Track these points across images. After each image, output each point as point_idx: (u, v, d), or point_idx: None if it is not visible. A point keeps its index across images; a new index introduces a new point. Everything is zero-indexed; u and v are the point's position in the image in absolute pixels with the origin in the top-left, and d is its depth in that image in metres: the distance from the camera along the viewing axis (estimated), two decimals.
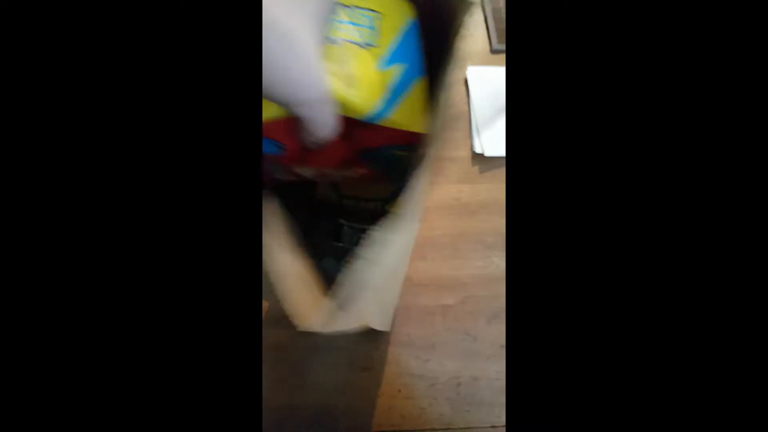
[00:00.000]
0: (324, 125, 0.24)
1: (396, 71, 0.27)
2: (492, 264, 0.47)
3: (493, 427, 0.41)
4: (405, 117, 0.27)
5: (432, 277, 0.46)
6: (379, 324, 0.32)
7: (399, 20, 0.28)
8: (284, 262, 0.17)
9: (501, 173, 0.51)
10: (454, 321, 0.44)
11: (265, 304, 0.45)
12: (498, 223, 0.48)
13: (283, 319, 0.45)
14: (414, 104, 0.27)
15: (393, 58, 0.27)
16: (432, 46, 0.28)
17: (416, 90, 0.27)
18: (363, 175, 0.32)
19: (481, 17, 0.61)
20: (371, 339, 0.44)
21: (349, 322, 0.21)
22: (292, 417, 0.41)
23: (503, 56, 0.57)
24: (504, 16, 0.59)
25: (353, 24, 0.27)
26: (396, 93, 0.26)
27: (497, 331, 0.44)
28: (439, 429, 0.41)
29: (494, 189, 0.50)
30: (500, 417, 0.41)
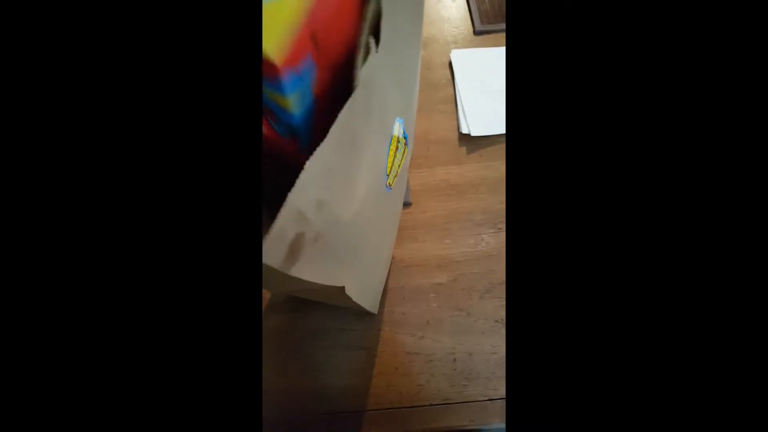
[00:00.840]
0: None
1: None
2: (482, 241, 0.47)
3: (489, 399, 0.42)
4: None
5: (424, 257, 0.47)
6: (360, 299, 0.33)
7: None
8: None
9: (487, 153, 0.51)
10: (448, 298, 0.45)
11: (265, 293, 0.47)
12: (486, 201, 0.49)
13: (283, 305, 0.46)
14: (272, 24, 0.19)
15: None
16: None
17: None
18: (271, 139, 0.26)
19: (464, 1, 0.61)
20: (367, 320, 0.45)
21: (311, 271, 0.22)
22: (293, 399, 0.42)
23: (486, 37, 0.58)
24: None
25: None
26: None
27: (490, 306, 0.45)
28: (437, 404, 0.42)
29: (481, 168, 0.50)
30: (497, 389, 0.42)
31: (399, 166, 0.33)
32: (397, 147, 0.31)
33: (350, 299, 0.30)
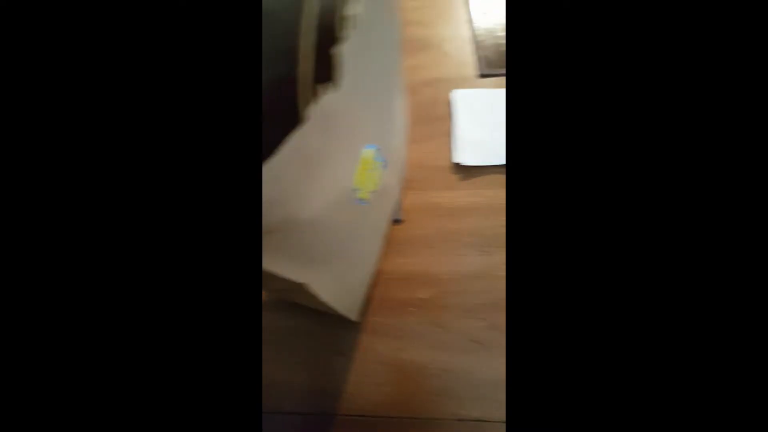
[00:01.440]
0: None
1: None
2: (467, 262, 0.49)
3: (459, 420, 0.41)
4: None
5: (408, 271, 0.49)
6: (333, 301, 0.36)
7: None
8: None
9: (479, 181, 0.54)
10: (428, 313, 0.46)
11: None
12: (474, 225, 0.51)
13: (268, 303, 0.48)
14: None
15: None
16: None
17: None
18: None
19: (471, 47, 0.67)
20: (347, 327, 0.46)
21: (269, 261, 0.25)
22: (264, 396, 0.43)
23: (487, 80, 0.63)
24: (486, 44, 0.66)
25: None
26: None
27: (470, 326, 0.45)
28: (406, 417, 0.42)
29: (471, 195, 0.53)
30: (470, 411, 0.42)
31: (375, 184, 0.37)
32: (369, 168, 0.36)
33: (318, 298, 0.33)
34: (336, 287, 0.36)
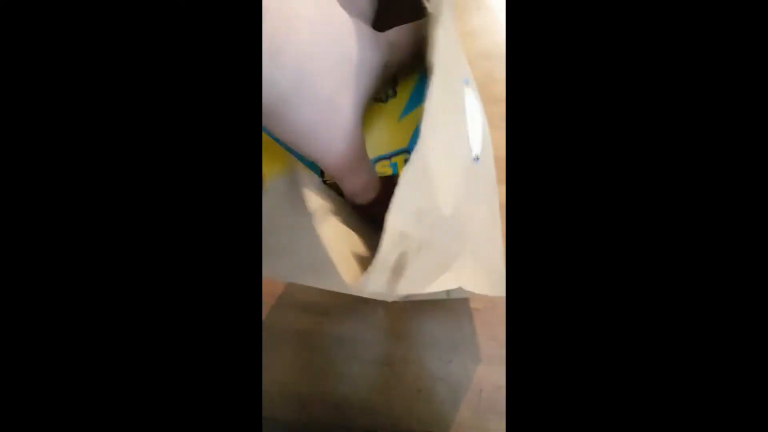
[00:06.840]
0: (363, 191, 0.25)
1: (413, 116, 0.28)
2: None
3: None
4: None
5: None
6: (479, 287, 0.27)
7: (413, 76, 0.29)
8: (323, 223, 0.17)
9: None
10: (482, 325, 0.43)
11: (282, 288, 0.46)
12: None
13: (310, 306, 0.46)
14: None
15: (409, 107, 0.29)
16: None
17: None
18: None
19: None
20: (394, 335, 0.43)
21: (419, 282, 0.20)
22: (309, 404, 0.42)
23: None
24: None
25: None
26: (416, 133, 0.27)
27: None
28: None
29: None
30: None
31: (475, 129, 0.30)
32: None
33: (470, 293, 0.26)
34: (480, 268, 0.28)
